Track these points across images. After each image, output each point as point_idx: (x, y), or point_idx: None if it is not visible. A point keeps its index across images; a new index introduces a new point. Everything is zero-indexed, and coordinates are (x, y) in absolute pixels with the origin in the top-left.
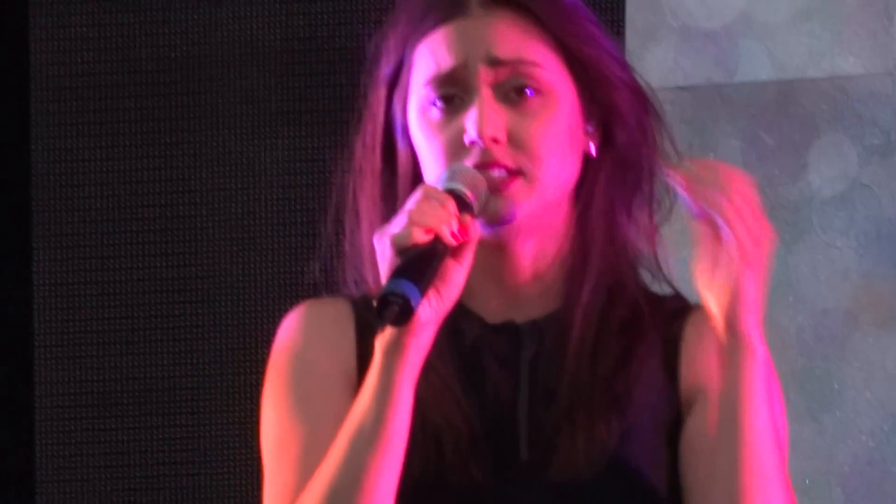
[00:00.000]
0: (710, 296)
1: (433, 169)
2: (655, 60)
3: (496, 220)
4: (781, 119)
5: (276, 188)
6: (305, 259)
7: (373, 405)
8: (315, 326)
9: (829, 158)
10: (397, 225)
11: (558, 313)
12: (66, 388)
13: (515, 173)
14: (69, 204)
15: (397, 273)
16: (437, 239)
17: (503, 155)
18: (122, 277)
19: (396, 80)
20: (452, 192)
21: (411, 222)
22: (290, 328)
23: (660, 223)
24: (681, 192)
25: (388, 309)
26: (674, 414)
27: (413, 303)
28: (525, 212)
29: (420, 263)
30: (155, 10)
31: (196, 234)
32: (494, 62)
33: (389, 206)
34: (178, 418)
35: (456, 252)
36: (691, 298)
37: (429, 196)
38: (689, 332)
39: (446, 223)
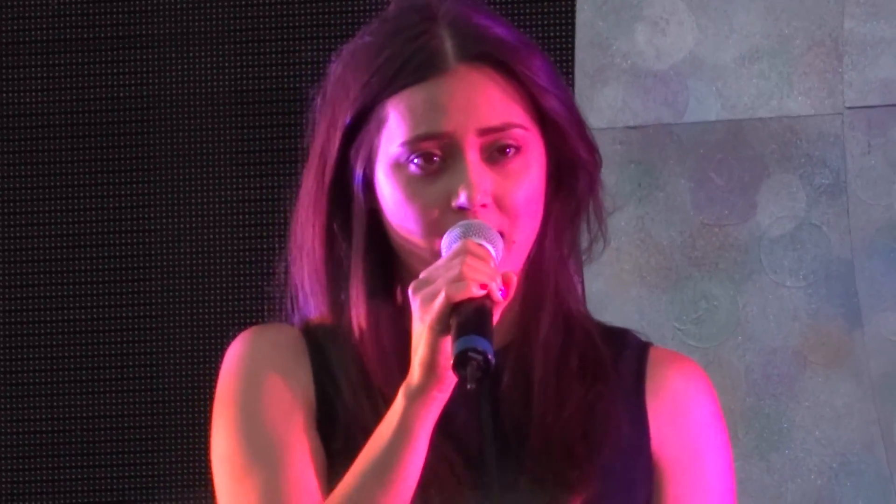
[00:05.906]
0: None
1: (414, 227)
2: (605, 101)
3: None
4: (731, 159)
5: (225, 228)
6: (256, 298)
7: (389, 447)
8: (268, 350)
9: (779, 198)
10: (446, 277)
11: (514, 346)
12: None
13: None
14: (17, 245)
15: (468, 330)
16: (487, 295)
17: (489, 218)
18: (69, 317)
19: (358, 130)
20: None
21: (463, 276)
22: (241, 351)
23: (590, 260)
24: None
25: (469, 365)
26: (646, 453)
27: (491, 357)
28: None
29: (481, 319)
30: (106, 50)
31: (147, 275)
32: (485, 131)
33: (335, 247)
34: (124, 457)
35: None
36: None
37: (474, 252)
38: (653, 375)
39: (494, 280)
